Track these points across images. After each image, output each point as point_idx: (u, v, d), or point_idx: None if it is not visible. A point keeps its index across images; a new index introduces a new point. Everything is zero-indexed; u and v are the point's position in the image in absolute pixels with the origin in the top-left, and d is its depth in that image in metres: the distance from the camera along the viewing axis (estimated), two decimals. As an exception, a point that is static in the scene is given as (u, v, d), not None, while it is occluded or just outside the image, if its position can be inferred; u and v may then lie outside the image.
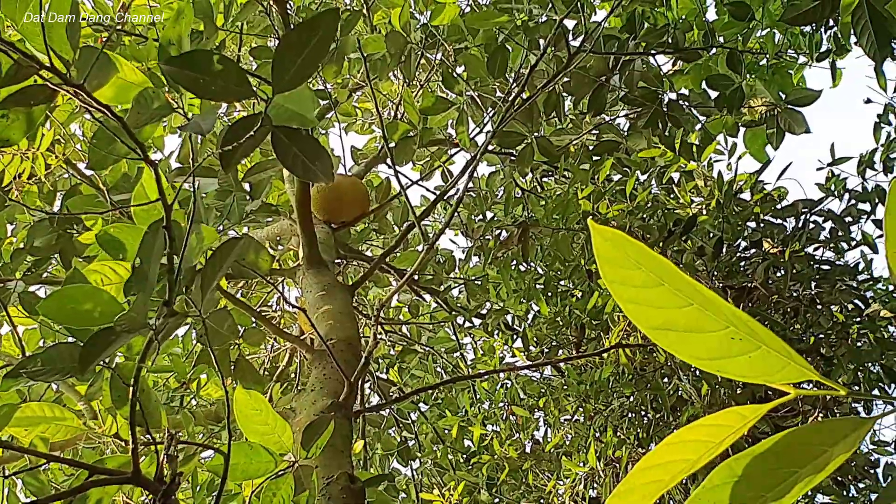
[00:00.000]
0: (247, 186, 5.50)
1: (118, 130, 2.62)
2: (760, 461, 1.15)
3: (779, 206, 5.35)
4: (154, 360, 4.53)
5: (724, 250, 5.19)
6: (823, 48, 5.35)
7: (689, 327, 1.10)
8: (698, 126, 5.77)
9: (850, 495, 5.44)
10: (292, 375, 7.14)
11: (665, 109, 5.55)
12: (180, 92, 2.72)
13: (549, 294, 5.68)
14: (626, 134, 5.83)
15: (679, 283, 1.09)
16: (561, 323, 5.76)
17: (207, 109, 3.46)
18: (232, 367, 5.21)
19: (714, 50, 5.67)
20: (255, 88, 2.50)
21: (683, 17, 5.81)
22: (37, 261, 4.65)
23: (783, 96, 5.35)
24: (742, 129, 5.91)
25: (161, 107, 2.75)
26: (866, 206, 5.37)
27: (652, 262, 1.09)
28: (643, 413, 5.56)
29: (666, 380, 5.38)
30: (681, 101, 5.70)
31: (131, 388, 2.42)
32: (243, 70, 2.44)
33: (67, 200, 4.49)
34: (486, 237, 5.94)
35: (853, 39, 5.06)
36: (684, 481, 5.26)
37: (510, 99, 5.00)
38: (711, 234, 5.33)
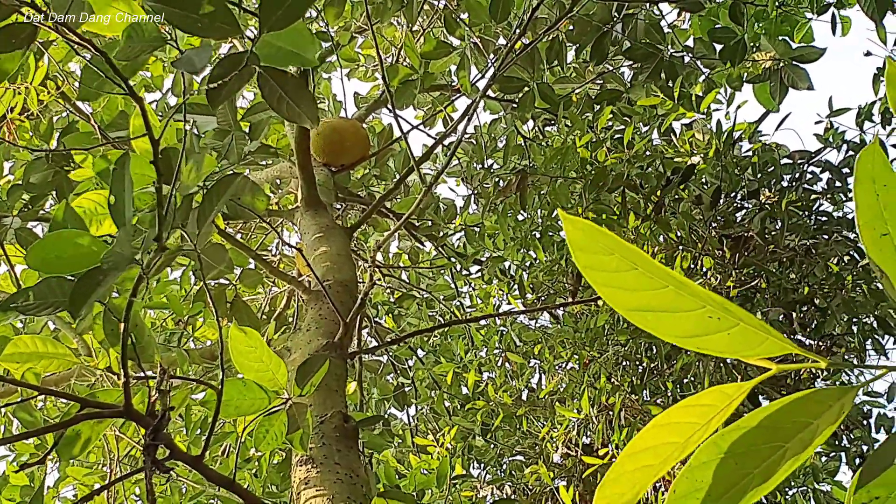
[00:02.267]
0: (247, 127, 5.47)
1: (103, 65, 2.59)
2: (746, 437, 1.14)
3: (778, 160, 5.32)
4: (148, 297, 4.53)
5: (721, 199, 5.16)
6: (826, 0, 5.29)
7: (666, 307, 1.10)
8: (702, 78, 5.72)
9: (843, 445, 5.46)
10: (290, 319, 7.15)
11: (668, 63, 5.50)
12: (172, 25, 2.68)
13: (546, 242, 5.67)
14: (628, 84, 5.78)
15: (652, 268, 1.09)
16: (557, 271, 5.76)
17: (202, 45, 3.42)
18: (228, 308, 5.21)
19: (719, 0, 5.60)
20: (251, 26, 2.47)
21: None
22: (33, 197, 4.63)
23: (792, 44, 5.30)
24: (746, 84, 5.85)
25: (154, 39, 2.71)
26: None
27: (624, 249, 1.09)
28: (637, 361, 5.57)
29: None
30: (685, 54, 5.64)
31: (123, 323, 2.40)
32: (229, 7, 2.40)
33: (64, 137, 4.46)
34: (486, 185, 5.92)
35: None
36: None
37: (511, 44, 4.94)
38: (709, 184, 5.31)
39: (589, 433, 5.60)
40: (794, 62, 5.26)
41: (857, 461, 5.36)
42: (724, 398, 1.16)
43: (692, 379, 5.32)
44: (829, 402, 1.13)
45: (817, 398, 1.13)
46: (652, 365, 5.54)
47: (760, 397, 5.30)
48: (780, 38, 5.41)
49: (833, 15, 5.30)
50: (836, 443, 5.43)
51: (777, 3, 5.45)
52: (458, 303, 7.09)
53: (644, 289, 1.10)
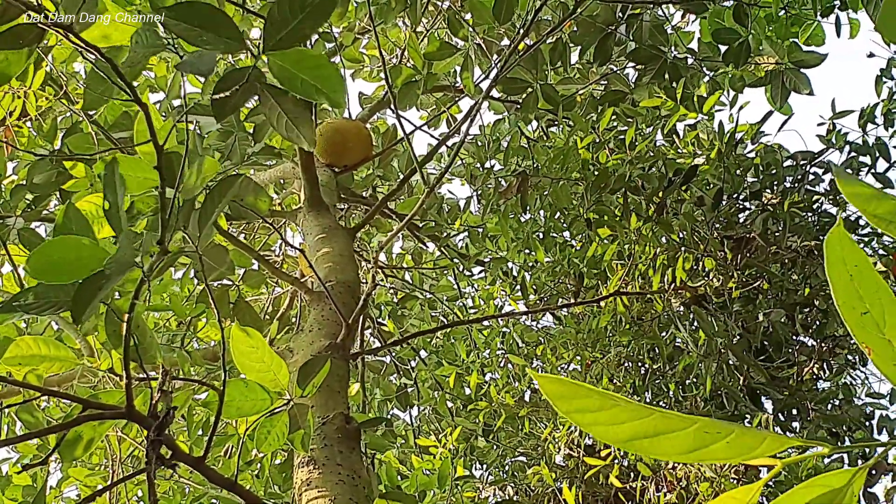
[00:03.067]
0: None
1: (109, 71, 2.60)
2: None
3: (781, 161, 5.33)
4: (148, 299, 4.54)
5: (723, 201, 5.17)
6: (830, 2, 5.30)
7: (658, 431, 1.13)
8: (706, 79, 5.73)
9: (845, 446, 5.46)
10: (293, 319, 7.16)
11: (671, 65, 5.51)
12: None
13: (549, 243, 5.68)
14: (632, 85, 5.79)
15: (633, 404, 1.13)
16: (560, 272, 5.77)
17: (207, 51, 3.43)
18: (231, 309, 5.23)
19: (724, 2, 5.61)
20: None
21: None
22: (36, 198, 4.65)
23: (800, 47, 5.31)
24: (748, 87, 5.85)
25: (157, 44, 2.73)
26: (867, 160, 5.36)
27: (595, 394, 1.14)
28: (640, 362, 5.58)
29: (664, 329, 5.38)
30: (688, 56, 5.65)
31: (125, 324, 2.42)
32: (235, 25, 2.41)
33: (67, 138, 4.48)
34: (488, 185, 5.93)
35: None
36: None
37: (514, 45, 4.96)
38: (711, 185, 5.32)
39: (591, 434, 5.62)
40: (795, 66, 5.28)
41: (860, 462, 5.37)
42: None
43: (694, 380, 5.32)
44: (839, 491, 1.12)
45: (825, 482, 1.12)
46: (654, 366, 5.54)
47: (763, 399, 5.31)
48: (788, 41, 5.42)
49: (837, 17, 5.32)
50: (839, 444, 5.44)
51: (783, 5, 5.46)
52: (461, 304, 7.11)
53: (631, 419, 1.14)
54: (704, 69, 5.56)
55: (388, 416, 6.97)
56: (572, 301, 5.58)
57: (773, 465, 1.15)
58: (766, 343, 5.17)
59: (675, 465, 5.10)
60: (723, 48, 5.29)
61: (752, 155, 5.48)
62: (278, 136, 6.88)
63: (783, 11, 5.53)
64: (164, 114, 5.35)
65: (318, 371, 3.23)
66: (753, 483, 1.15)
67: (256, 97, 2.60)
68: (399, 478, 4.75)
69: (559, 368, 5.84)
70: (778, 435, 1.11)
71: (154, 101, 6.85)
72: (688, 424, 1.12)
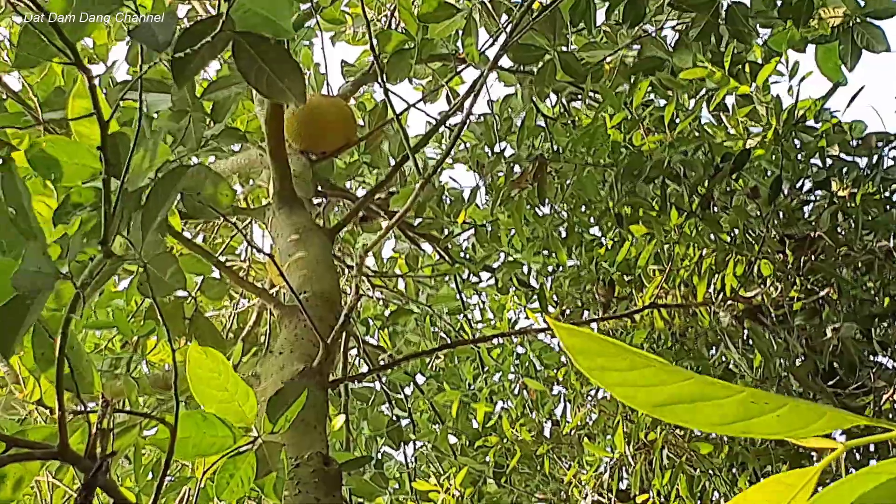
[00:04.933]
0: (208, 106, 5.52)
1: (46, 28, 2.64)
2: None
3: (851, 142, 5.35)
4: (91, 313, 4.58)
5: (782, 192, 5.20)
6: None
7: (698, 398, 1.13)
8: (759, 41, 5.75)
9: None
10: (261, 339, 7.19)
11: (722, 20, 5.52)
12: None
13: (572, 243, 5.70)
14: (671, 50, 5.81)
15: (669, 366, 1.13)
16: (586, 278, 5.79)
17: (166, 12, 3.46)
18: (186, 326, 5.26)
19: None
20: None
21: None
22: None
23: (861, 3, 5.33)
24: (811, 46, 5.88)
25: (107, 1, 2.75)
26: (958, 141, 5.38)
27: (634, 350, 1.14)
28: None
29: (711, 348, 5.41)
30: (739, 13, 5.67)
31: (57, 345, 2.45)
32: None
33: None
34: (497, 173, 5.96)
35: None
36: None
37: (528, 3, 5.00)
38: (768, 173, 5.34)
39: (624, 476, 5.64)
40: (867, 19, 5.28)
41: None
42: (787, 491, 1.15)
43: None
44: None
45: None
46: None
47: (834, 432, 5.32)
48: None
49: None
50: None
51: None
52: (466, 317, 7.13)
53: (668, 382, 1.14)
54: (757, 27, 5.57)
55: (378, 456, 7.00)
56: (601, 314, 5.61)
57: (832, 447, 1.14)
58: (835, 364, 5.19)
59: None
60: (779, 1, 5.30)
61: (818, 136, 5.50)
62: (242, 115, 6.92)
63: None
64: (104, 90, 5.38)
65: (292, 402, 3.26)
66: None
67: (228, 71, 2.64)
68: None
69: (586, 396, 5.88)
70: (840, 411, 1.11)
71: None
72: (733, 393, 1.12)
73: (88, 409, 2.88)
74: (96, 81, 5.87)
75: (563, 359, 6.02)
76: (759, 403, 1.11)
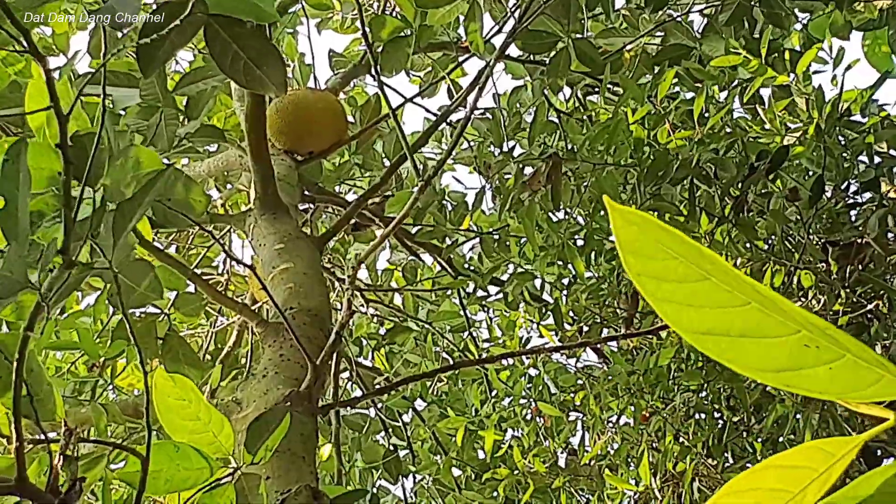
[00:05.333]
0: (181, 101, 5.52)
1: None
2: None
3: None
4: (53, 331, 4.56)
5: (825, 193, 5.20)
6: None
7: (747, 331, 1.08)
8: (798, 26, 5.74)
9: None
10: (242, 360, 7.18)
11: (755, 2, 5.52)
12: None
13: (591, 252, 5.69)
14: (699, 36, 5.81)
15: (731, 278, 1.07)
16: (606, 291, 5.79)
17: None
18: (160, 346, 5.25)
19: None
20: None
21: None
22: None
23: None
24: (857, 32, 5.88)
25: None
26: None
27: (693, 252, 1.07)
28: (715, 413, 5.60)
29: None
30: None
31: (14, 368, 2.44)
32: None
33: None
34: (506, 174, 5.95)
35: None
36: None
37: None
38: (809, 172, 5.34)
39: (650, 511, 5.63)
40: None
41: None
42: (825, 458, 1.13)
43: (790, 437, 5.34)
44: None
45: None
46: (735, 418, 5.56)
47: (878, 453, 5.33)
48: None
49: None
50: None
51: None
52: (471, 336, 7.12)
53: (719, 305, 1.08)
54: (796, 11, 5.57)
55: (373, 490, 6.98)
56: (623, 332, 5.61)
57: (885, 417, 1.10)
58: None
59: None
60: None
61: (865, 131, 5.50)
62: (220, 111, 6.92)
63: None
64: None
65: (275, 429, 3.25)
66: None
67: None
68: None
69: (606, 422, 5.87)
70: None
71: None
72: (789, 331, 1.06)
73: (50, 439, 2.88)
74: (55, 74, 5.88)
75: (579, 381, 6.01)
76: (812, 348, 1.07)
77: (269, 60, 2.71)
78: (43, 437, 2.88)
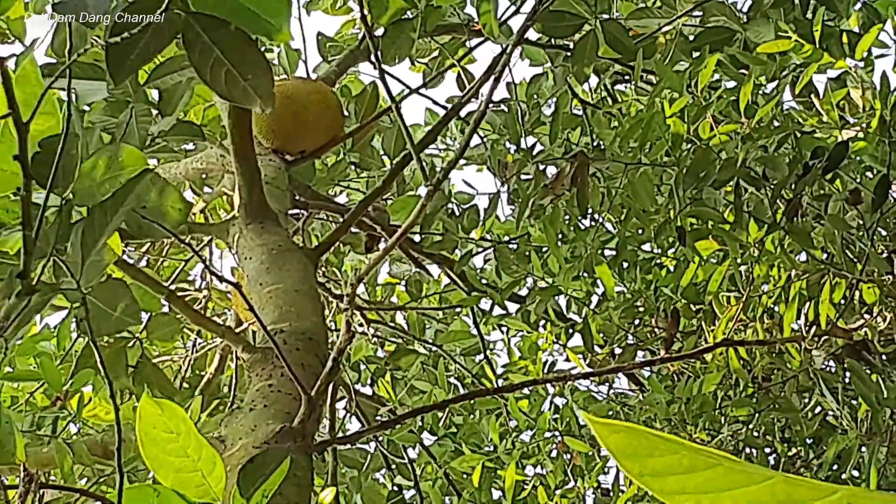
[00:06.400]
0: (154, 95, 5.50)
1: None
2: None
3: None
4: (8, 361, 4.55)
5: (891, 196, 5.18)
6: None
7: (781, 500, 1.10)
8: (857, 6, 5.73)
9: None
10: (225, 388, 7.17)
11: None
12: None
13: (622, 264, 5.68)
14: (744, 18, 5.79)
15: (740, 464, 1.11)
16: (641, 309, 5.77)
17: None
18: (131, 375, 5.23)
19: None
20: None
21: None
22: None
23: None
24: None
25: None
26: None
27: (690, 448, 1.12)
28: (767, 446, 5.58)
29: (803, 395, 5.39)
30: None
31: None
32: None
33: None
34: (524, 176, 5.94)
35: None
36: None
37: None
38: (872, 171, 5.32)
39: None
40: None
41: None
42: None
43: (853, 474, 5.33)
44: None
45: None
46: (790, 453, 5.55)
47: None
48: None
49: None
50: None
51: None
52: (487, 360, 7.11)
53: (740, 486, 1.11)
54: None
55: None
56: (661, 355, 5.59)
57: None
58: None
59: None
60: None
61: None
62: (197, 105, 6.90)
63: None
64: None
65: (272, 472, 3.24)
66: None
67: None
68: None
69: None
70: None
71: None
72: (828, 492, 1.09)
73: (7, 485, 2.87)
74: (10, 64, 5.88)
75: (611, 410, 6.00)
76: (860, 496, 1.09)
77: (256, 69, 2.69)
78: (1, 482, 2.87)
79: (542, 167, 5.86)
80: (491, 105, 6.12)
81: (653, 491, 1.12)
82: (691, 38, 5.94)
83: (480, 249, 6.64)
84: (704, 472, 1.11)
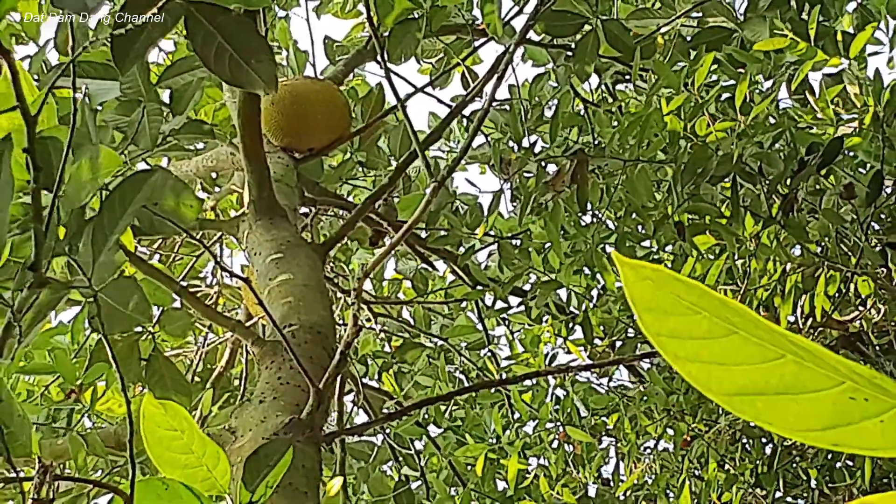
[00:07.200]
0: (166, 95, 5.50)
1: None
2: None
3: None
4: (24, 355, 4.54)
5: (884, 190, 5.17)
6: None
7: (784, 388, 1.06)
8: (852, 6, 5.72)
9: None
10: (235, 382, 7.17)
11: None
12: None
13: (623, 254, 5.67)
14: (741, 17, 5.79)
15: (761, 331, 1.05)
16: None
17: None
18: (143, 369, 5.23)
19: None
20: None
21: None
22: None
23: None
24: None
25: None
26: None
27: (716, 305, 1.06)
28: (764, 437, 5.57)
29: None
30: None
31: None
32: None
33: None
34: (526, 173, 5.93)
35: None
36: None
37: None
38: (866, 166, 5.31)
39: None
40: None
41: None
42: None
43: (847, 464, 5.32)
44: None
45: None
46: (786, 442, 5.54)
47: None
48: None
49: None
50: None
51: None
52: (491, 353, 7.10)
53: (751, 361, 1.06)
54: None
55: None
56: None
57: None
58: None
59: None
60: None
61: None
62: (208, 104, 6.90)
63: None
64: (35, 76, 5.37)
65: (276, 463, 3.23)
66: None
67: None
68: None
69: (643, 448, 5.85)
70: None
71: (20, 57, 6.87)
72: (831, 383, 1.05)
73: (22, 477, 2.86)
74: (25, 65, 5.86)
75: (612, 402, 5.99)
76: (860, 401, 1.05)
77: (258, 54, 2.67)
78: (15, 474, 2.86)
79: (543, 165, 5.84)
80: (494, 103, 6.11)
81: (665, 354, 1.07)
82: (689, 37, 5.94)
83: (484, 245, 6.63)
84: (720, 339, 1.06)
